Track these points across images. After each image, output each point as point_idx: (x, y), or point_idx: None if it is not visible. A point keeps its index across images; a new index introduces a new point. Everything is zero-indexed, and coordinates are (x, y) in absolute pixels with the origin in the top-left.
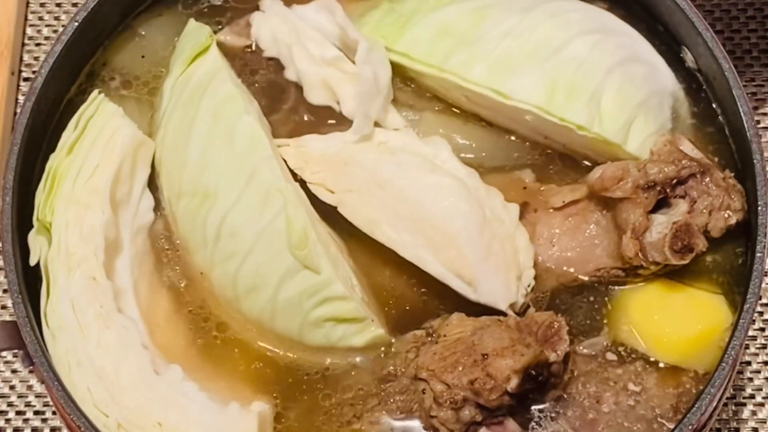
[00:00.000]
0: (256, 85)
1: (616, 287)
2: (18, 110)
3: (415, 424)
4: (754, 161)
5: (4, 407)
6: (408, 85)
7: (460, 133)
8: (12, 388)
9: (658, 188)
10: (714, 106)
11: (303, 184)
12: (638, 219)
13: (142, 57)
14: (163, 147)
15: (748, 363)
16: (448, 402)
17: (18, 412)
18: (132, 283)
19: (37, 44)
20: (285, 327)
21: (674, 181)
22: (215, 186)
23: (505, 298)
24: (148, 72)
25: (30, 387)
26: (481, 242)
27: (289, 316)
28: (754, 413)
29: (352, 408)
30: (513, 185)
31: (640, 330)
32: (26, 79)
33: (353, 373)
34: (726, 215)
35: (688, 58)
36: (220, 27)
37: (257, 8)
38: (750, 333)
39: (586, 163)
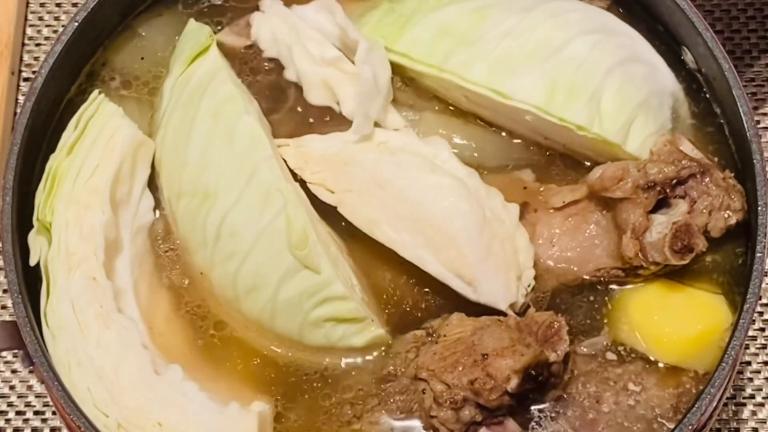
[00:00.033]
0: (256, 85)
1: (616, 287)
2: (18, 110)
3: (415, 424)
4: (754, 161)
5: (4, 407)
6: (408, 85)
7: (460, 133)
8: (12, 388)
9: (658, 188)
10: (714, 106)
11: (303, 184)
12: (638, 219)
13: (142, 59)
14: (163, 147)
15: (748, 363)
16: (448, 402)
17: (18, 412)
18: (132, 283)
19: (37, 44)
20: (285, 327)
21: (674, 181)
22: (215, 186)
23: (505, 298)
24: (148, 72)
25: (30, 387)
26: (481, 242)
27: (289, 316)
28: (754, 413)
29: (352, 408)
30: (513, 185)
31: (640, 330)
32: (26, 79)
33: (353, 373)
34: (726, 215)
35: (688, 58)
36: (220, 27)
37: (257, 8)
38: (750, 333)
39: (586, 163)
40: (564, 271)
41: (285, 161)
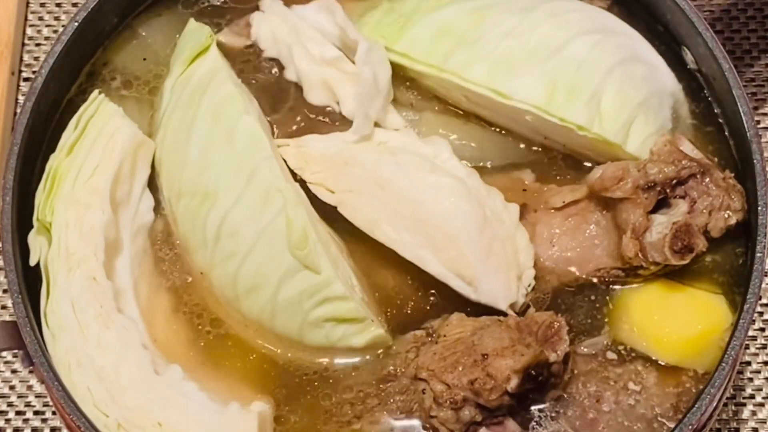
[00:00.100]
0: (256, 85)
1: (617, 287)
2: (18, 110)
3: (415, 424)
4: (754, 161)
5: (4, 407)
6: (408, 85)
7: (460, 133)
8: (12, 388)
9: (658, 188)
10: (714, 106)
11: (303, 184)
12: (638, 219)
13: (144, 59)
14: (163, 147)
15: (748, 363)
16: (448, 402)
17: (18, 412)
18: (132, 283)
19: (37, 44)
20: (285, 327)
21: (674, 181)
22: (215, 186)
23: (506, 298)
24: (148, 72)
25: (30, 387)
26: (482, 242)
27: (289, 316)
28: (754, 413)
29: (352, 408)
30: (513, 185)
31: (640, 330)
32: (26, 79)
33: (353, 373)
34: (726, 215)
35: (688, 58)
36: (220, 27)
37: (257, 8)
38: (750, 333)
39: (587, 163)
40: (564, 271)
41: (285, 161)
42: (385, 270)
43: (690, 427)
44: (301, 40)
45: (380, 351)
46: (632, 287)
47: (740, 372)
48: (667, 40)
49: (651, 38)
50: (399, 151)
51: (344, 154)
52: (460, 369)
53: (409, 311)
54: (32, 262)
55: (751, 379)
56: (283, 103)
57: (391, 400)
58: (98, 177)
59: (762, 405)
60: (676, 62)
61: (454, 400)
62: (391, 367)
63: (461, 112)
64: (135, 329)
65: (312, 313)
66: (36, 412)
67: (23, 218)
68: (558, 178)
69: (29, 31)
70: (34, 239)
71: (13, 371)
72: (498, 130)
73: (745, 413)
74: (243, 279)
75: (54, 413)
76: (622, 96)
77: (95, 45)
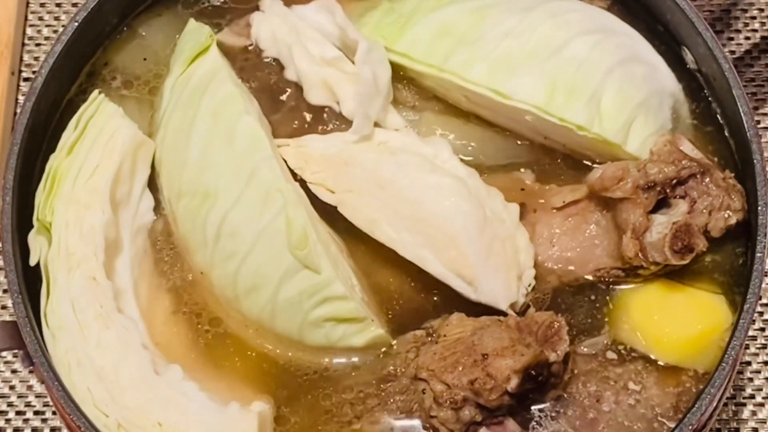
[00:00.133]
0: (256, 85)
1: (617, 287)
2: (18, 110)
3: (415, 424)
4: (754, 161)
5: (4, 407)
6: (408, 85)
7: (460, 133)
8: (12, 388)
9: (658, 188)
10: (714, 106)
11: (303, 184)
12: (638, 219)
13: (144, 59)
14: (163, 147)
15: (748, 363)
16: (448, 402)
17: (18, 412)
18: (132, 283)
19: (37, 44)
20: (285, 327)
21: (674, 181)
22: (215, 186)
23: (506, 298)
24: (148, 72)
25: (30, 387)
26: (482, 242)
27: (289, 316)
28: (754, 413)
29: (352, 408)
30: (513, 185)
31: (640, 330)
32: (26, 79)
33: (353, 373)
34: (726, 215)
35: (688, 58)
36: (220, 27)
37: (257, 8)
38: (750, 333)
39: (587, 163)
40: (564, 271)
41: (285, 161)
42: (385, 270)
43: (690, 427)
44: (301, 40)
45: (380, 351)
46: (632, 287)
47: (740, 372)
48: (667, 40)
49: (651, 38)
50: (399, 151)
51: (344, 154)
52: (460, 369)
53: (409, 311)
54: (32, 262)
55: (751, 379)
56: (283, 103)
57: (391, 400)
58: (98, 177)
59: (762, 405)
60: (676, 62)
61: (454, 400)
62: (391, 367)
63: (461, 112)
64: (135, 329)
65: (312, 313)
66: (36, 412)
67: (23, 218)
68: (558, 178)
69: (29, 31)
70: (34, 239)
71: (13, 371)
72: (498, 130)
73: (745, 413)
74: (243, 279)
75: (54, 413)
76: (622, 96)
77: (95, 45)
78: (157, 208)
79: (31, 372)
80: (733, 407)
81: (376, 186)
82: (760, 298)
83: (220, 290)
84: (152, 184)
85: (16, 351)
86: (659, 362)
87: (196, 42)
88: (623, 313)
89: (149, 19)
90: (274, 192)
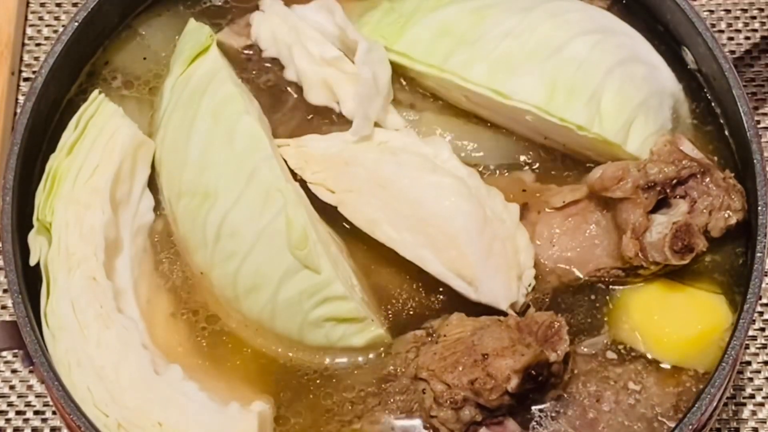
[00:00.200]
0: (256, 85)
1: (617, 287)
2: (18, 110)
3: (416, 423)
4: (754, 161)
5: (4, 407)
6: (408, 85)
7: (460, 133)
8: (12, 388)
9: (658, 188)
10: (714, 106)
11: (303, 184)
12: (638, 219)
13: (144, 59)
14: (163, 147)
15: (748, 363)
16: (448, 402)
17: (18, 412)
18: (132, 283)
19: (37, 44)
20: (285, 327)
21: (674, 181)
22: (215, 186)
23: (506, 298)
24: (148, 72)
25: (30, 387)
26: (482, 242)
27: (289, 315)
28: (754, 413)
29: (352, 408)
30: (513, 185)
31: (640, 330)
32: (26, 79)
33: (353, 373)
34: (726, 215)
35: (688, 58)
36: (220, 27)
37: (257, 8)
38: (750, 333)
39: (587, 163)
40: (564, 271)
41: (285, 161)
42: (385, 270)
43: (690, 426)
44: (301, 39)
45: (380, 351)
46: (632, 287)
47: (740, 372)
48: (667, 40)
49: (651, 38)
50: (399, 151)
51: (344, 154)
52: (460, 369)
53: (409, 311)
54: (32, 262)
55: (751, 379)
56: (283, 103)
57: (392, 400)
58: (98, 177)
59: (762, 405)
60: (676, 62)
61: (455, 400)
62: (392, 367)
63: (461, 112)
64: (135, 329)
65: (312, 313)
66: (36, 412)
67: (23, 218)
68: (558, 178)
69: (29, 31)
70: (34, 239)
71: (13, 371)
72: (498, 130)
73: (745, 413)
74: (243, 279)
75: (54, 413)
76: (622, 96)
77: (95, 45)
78: (157, 208)
79: (31, 372)
80: (733, 407)
81: (376, 186)
82: (760, 298)
83: (220, 290)
84: (152, 184)
85: (16, 351)
86: (659, 362)
87: (196, 42)
88: (623, 313)
89: (149, 19)
90: (274, 192)
